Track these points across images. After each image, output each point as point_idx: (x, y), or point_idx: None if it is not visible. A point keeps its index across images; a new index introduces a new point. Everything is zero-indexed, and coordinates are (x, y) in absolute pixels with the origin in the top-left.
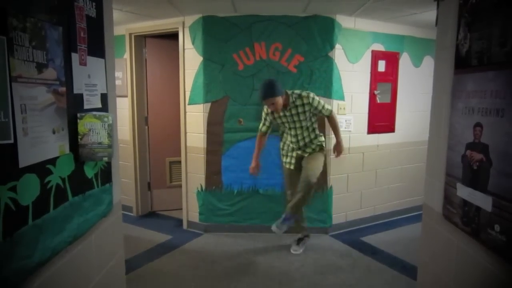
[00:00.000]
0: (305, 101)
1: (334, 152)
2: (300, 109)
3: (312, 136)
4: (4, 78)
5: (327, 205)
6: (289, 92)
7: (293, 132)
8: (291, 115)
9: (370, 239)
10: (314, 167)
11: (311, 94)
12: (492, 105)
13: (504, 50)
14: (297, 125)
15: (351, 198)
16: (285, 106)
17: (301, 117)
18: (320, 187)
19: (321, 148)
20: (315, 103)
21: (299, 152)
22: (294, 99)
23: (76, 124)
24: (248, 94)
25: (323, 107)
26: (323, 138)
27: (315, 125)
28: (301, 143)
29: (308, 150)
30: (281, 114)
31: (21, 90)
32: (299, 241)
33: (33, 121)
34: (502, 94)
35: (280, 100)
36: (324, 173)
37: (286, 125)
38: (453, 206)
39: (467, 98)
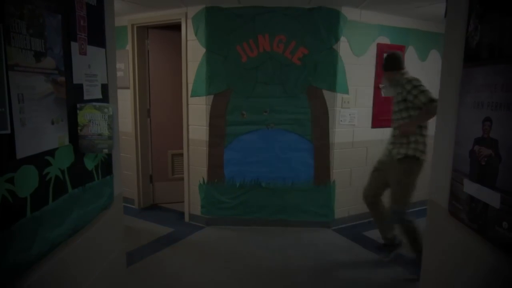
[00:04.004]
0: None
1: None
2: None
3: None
4: (0, 67)
5: (330, 199)
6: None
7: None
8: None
9: (373, 234)
10: (395, 190)
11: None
12: (502, 99)
13: None
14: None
15: (354, 192)
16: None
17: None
18: (323, 182)
19: (406, 157)
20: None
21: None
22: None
23: (75, 115)
24: (251, 87)
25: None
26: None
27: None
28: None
29: (394, 151)
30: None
31: (18, 79)
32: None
33: (31, 111)
34: None
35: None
36: (327, 168)
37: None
38: (460, 202)
39: (476, 92)
